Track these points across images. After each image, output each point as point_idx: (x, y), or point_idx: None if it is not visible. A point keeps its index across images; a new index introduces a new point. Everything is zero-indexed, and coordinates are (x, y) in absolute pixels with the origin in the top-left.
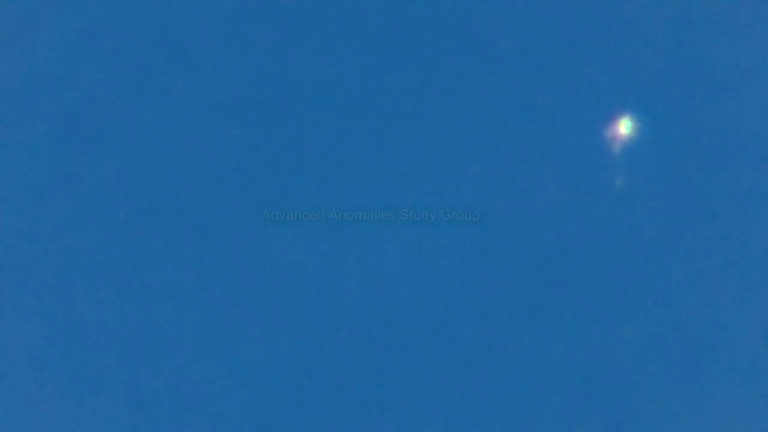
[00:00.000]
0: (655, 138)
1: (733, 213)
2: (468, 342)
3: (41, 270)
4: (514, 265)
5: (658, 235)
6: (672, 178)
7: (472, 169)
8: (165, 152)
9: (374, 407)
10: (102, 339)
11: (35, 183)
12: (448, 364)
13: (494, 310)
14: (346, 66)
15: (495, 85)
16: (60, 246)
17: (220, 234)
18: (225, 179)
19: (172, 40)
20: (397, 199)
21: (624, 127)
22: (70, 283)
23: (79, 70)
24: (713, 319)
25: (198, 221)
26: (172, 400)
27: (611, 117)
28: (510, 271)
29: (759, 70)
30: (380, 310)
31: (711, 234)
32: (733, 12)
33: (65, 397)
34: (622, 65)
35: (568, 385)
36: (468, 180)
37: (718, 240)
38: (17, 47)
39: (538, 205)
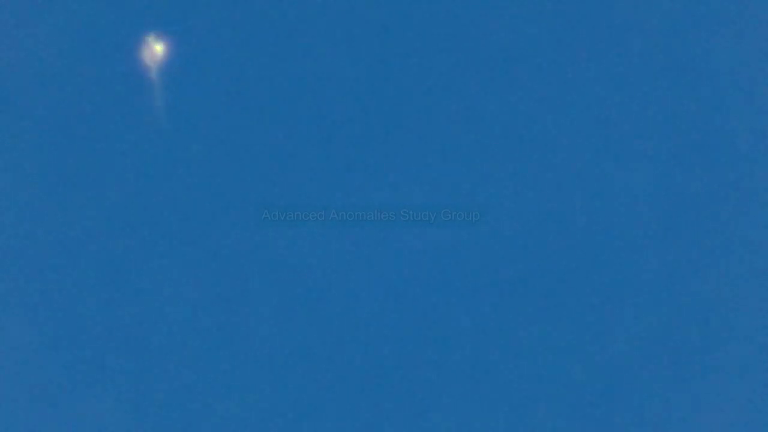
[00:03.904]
0: (654, 138)
1: (732, 213)
2: (468, 340)
3: (41, 270)
4: (514, 264)
5: (657, 235)
6: (672, 178)
7: (472, 169)
8: (165, 153)
9: (374, 406)
10: (102, 338)
11: (35, 183)
12: (447, 363)
13: (494, 309)
14: (346, 67)
15: (495, 86)
16: (60, 246)
17: (221, 234)
18: (225, 179)
19: (173, 40)
20: (397, 199)
21: (157, 47)
22: (70, 283)
23: (79, 70)
24: (712, 320)
25: (198, 221)
26: (172, 399)
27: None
28: (510, 270)
29: (759, 70)
30: (380, 309)
31: (710, 234)
32: (733, 12)
33: (65, 396)
34: (622, 65)
35: (568, 384)
36: (468, 180)
37: (717, 240)
38: (17, 47)
39: (538, 205)
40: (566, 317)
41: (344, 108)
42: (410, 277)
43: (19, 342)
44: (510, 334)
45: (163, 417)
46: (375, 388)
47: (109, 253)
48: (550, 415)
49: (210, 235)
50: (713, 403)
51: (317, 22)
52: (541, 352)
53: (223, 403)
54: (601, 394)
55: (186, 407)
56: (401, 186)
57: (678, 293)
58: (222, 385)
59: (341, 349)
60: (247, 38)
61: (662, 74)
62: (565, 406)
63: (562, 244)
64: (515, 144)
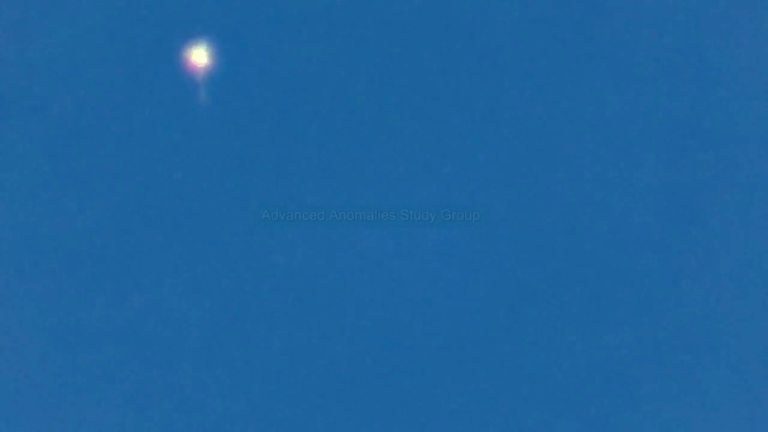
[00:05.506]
0: (657, 138)
1: (732, 213)
2: (468, 341)
3: (41, 270)
4: (514, 265)
5: (657, 235)
6: (672, 178)
7: (472, 169)
8: (165, 152)
9: (374, 407)
10: (102, 339)
11: (35, 183)
12: (447, 364)
13: (494, 309)
14: (346, 66)
15: (495, 86)
16: (60, 246)
17: (221, 234)
18: (225, 179)
19: (172, 40)
20: (397, 199)
21: (200, 55)
22: (69, 283)
23: (79, 70)
24: (712, 320)
25: (198, 221)
26: (172, 400)
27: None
28: (510, 270)
29: (759, 70)
30: (380, 310)
31: (710, 234)
32: (733, 12)
33: (65, 397)
34: (622, 65)
35: (568, 385)
36: (468, 180)
37: (717, 240)
38: (17, 47)
39: (538, 205)
40: (567, 317)
41: (344, 107)
42: (410, 277)
43: (19, 342)
44: (511, 334)
45: (163, 417)
46: (375, 388)
47: (107, 252)
48: (550, 415)
49: (209, 235)
50: (713, 404)
51: (317, 20)
52: (542, 353)
53: (222, 403)
54: (603, 394)
55: (185, 407)
56: (401, 186)
57: (681, 294)
58: (221, 384)
59: (341, 349)
60: (244, 38)
61: (664, 74)
62: (566, 406)
63: (564, 244)
64: (515, 144)
